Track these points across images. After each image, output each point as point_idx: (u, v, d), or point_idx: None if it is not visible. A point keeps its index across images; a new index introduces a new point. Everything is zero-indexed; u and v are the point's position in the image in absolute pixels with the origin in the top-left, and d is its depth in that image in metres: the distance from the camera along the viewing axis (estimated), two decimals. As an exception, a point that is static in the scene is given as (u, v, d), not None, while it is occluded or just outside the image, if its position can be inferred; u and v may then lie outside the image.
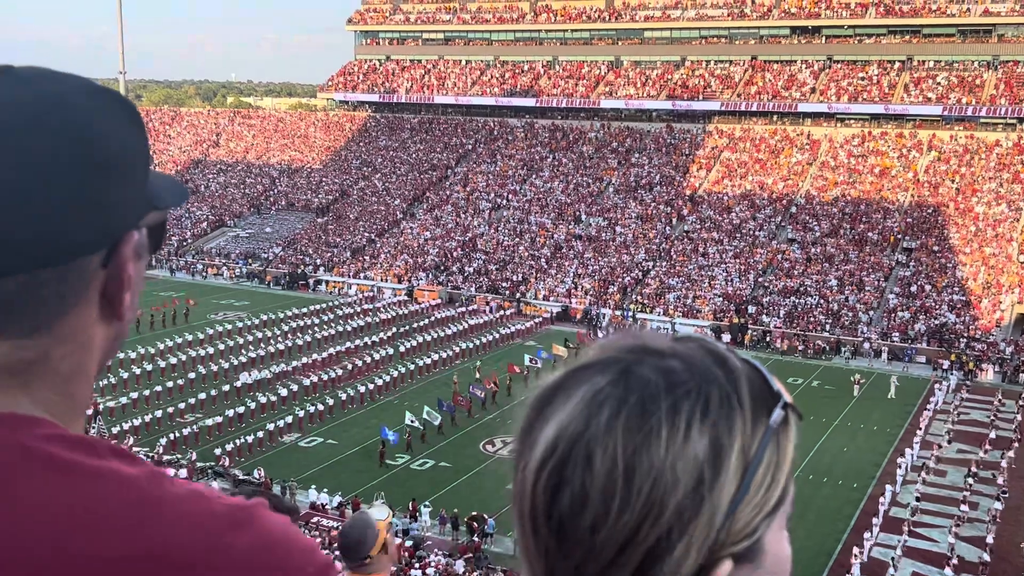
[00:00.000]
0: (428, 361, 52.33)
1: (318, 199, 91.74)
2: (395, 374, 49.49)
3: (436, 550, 31.05)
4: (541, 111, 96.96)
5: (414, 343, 55.52)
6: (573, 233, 76.90)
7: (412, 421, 41.22)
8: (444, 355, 53.64)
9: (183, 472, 36.70)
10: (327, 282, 74.85)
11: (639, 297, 66.50)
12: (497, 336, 58.97)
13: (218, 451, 38.20)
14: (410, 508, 33.39)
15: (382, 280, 73.79)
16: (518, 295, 68.64)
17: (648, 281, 68.61)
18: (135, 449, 38.70)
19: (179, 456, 38.25)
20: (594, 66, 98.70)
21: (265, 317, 60.73)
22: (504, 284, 70.52)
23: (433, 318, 62.44)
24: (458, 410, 44.03)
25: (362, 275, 75.07)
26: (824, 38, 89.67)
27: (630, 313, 63.90)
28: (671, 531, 0.90)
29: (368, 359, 51.71)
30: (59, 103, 1.00)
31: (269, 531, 1.02)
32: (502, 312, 65.40)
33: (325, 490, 35.22)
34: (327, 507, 34.47)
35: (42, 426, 0.99)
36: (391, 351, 53.69)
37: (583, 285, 68.72)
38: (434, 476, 37.83)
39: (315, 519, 33.47)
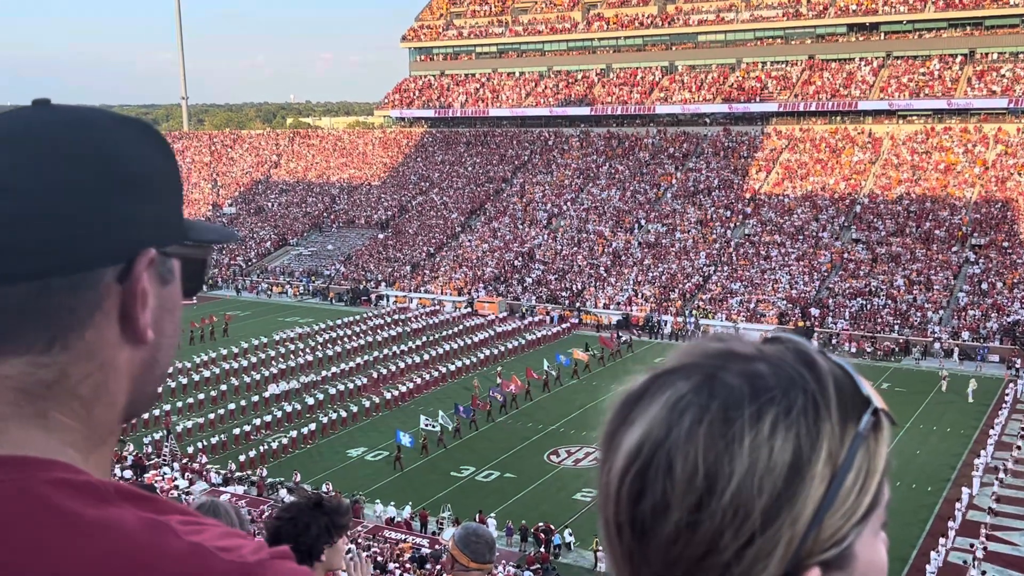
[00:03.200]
0: (452, 368, 53.32)
1: (377, 215, 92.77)
2: (419, 381, 50.63)
3: (503, 561, 31.09)
4: (596, 119, 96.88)
5: (441, 351, 56.41)
6: (632, 240, 76.59)
7: (427, 425, 42.07)
8: (468, 361, 54.79)
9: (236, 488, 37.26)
10: (388, 297, 75.49)
11: (701, 303, 65.92)
12: (523, 342, 59.65)
13: (241, 457, 39.74)
14: (477, 519, 33.47)
15: (442, 293, 74.25)
16: (578, 304, 68.53)
17: (710, 286, 68.00)
18: (208, 466, 39.50)
19: (250, 472, 38.93)
20: (648, 72, 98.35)
21: (300, 331, 61.92)
22: (564, 294, 70.47)
23: (462, 327, 63.49)
24: (477, 413, 44.92)
25: (422, 289, 75.63)
26: (883, 34, 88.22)
27: (692, 319, 63.37)
28: (753, 539, 0.89)
29: (394, 367, 52.94)
30: (80, 122, 1.05)
31: None
32: (531, 319, 66.11)
33: (392, 503, 35.50)
34: (396, 519, 34.71)
35: (52, 469, 0.98)
36: (417, 359, 54.71)
37: (643, 292, 68.36)
38: (500, 487, 37.92)
39: (383, 532, 33.75)
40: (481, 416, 45.16)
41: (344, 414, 45.34)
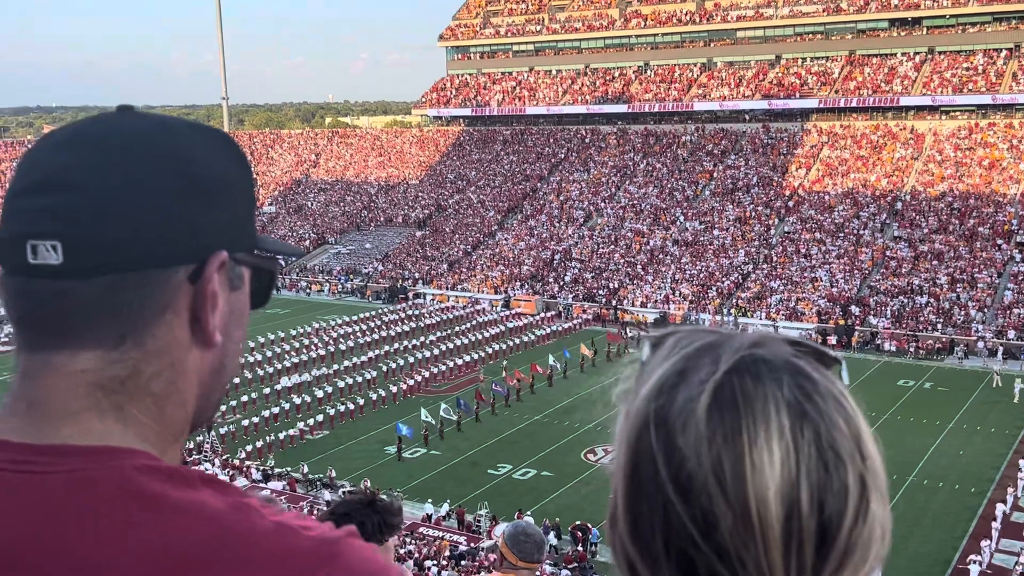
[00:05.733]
0: (460, 362, 54.38)
1: (415, 214, 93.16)
2: (426, 375, 51.72)
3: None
4: (633, 117, 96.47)
5: (451, 346, 57.41)
6: (669, 238, 76.19)
7: (427, 418, 42.88)
8: (477, 356, 55.77)
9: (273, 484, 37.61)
10: (426, 295, 75.71)
11: (739, 301, 65.42)
12: (533, 337, 60.41)
13: (248, 448, 41.03)
14: (515, 518, 33.50)
15: (479, 292, 74.39)
16: (615, 302, 68.30)
17: (748, 284, 67.46)
18: (248, 463, 39.92)
19: (289, 469, 39.29)
20: (686, 69, 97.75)
21: (317, 325, 63.26)
22: (600, 292, 70.29)
23: (475, 322, 64.53)
24: (481, 407, 45.93)
25: (459, 287, 75.82)
26: (925, 29, 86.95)
27: (731, 317, 62.91)
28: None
29: (402, 361, 54.01)
30: (160, 126, 1.08)
31: (354, 567, 1.03)
32: (545, 314, 66.93)
33: (430, 500, 35.65)
34: (434, 517, 34.82)
35: (135, 457, 1.01)
36: (428, 354, 55.49)
37: (681, 291, 67.98)
38: (537, 485, 37.92)
39: (420, 530, 33.89)
40: (485, 410, 46.12)
41: (351, 407, 46.42)
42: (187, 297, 1.06)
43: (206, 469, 37.79)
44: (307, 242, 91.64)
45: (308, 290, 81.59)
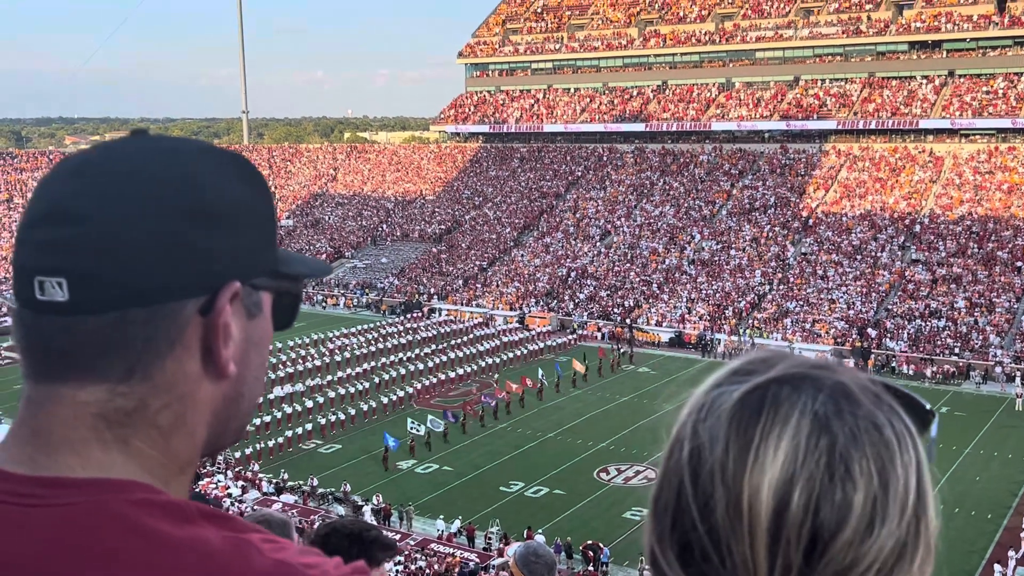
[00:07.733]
0: (453, 375, 54.92)
1: (431, 229, 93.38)
2: (418, 386, 52.45)
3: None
4: (651, 136, 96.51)
5: (445, 359, 57.89)
6: (685, 257, 76.05)
7: (413, 428, 43.37)
8: (470, 369, 56.35)
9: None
10: (441, 310, 75.74)
11: (755, 321, 65.16)
12: (527, 352, 60.88)
13: (237, 454, 41.71)
14: (525, 536, 33.32)
15: (494, 308, 74.38)
16: (629, 321, 68.15)
17: (765, 305, 67.20)
18: (261, 476, 39.96)
19: (302, 483, 39.29)
20: (704, 89, 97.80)
21: (316, 336, 63.97)
22: (616, 310, 70.17)
23: (471, 335, 65.01)
24: (469, 419, 46.34)
25: (474, 303, 75.85)
26: (945, 52, 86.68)
27: (748, 338, 62.65)
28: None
29: (395, 373, 54.72)
30: (169, 152, 1.05)
31: None
32: (545, 328, 67.47)
33: (441, 516, 35.57)
34: (444, 534, 34.74)
35: (134, 490, 0.99)
36: (421, 366, 56.10)
37: (697, 310, 67.78)
38: (549, 503, 37.78)
39: (431, 546, 33.80)
40: (472, 421, 46.53)
41: (343, 416, 47.02)
42: (198, 330, 1.04)
43: (219, 481, 37.94)
44: (324, 255, 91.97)
45: (324, 303, 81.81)
